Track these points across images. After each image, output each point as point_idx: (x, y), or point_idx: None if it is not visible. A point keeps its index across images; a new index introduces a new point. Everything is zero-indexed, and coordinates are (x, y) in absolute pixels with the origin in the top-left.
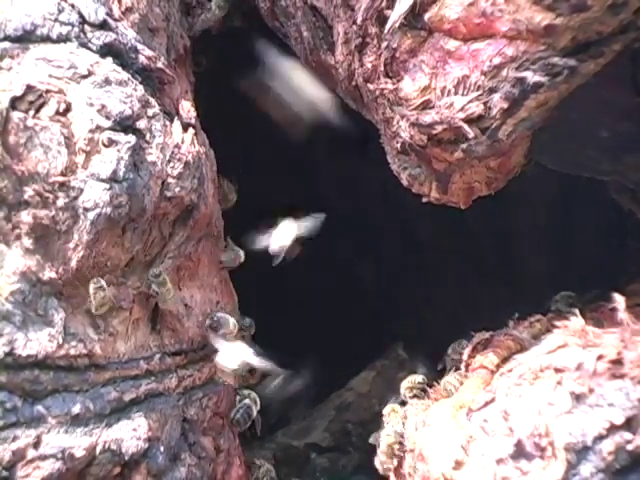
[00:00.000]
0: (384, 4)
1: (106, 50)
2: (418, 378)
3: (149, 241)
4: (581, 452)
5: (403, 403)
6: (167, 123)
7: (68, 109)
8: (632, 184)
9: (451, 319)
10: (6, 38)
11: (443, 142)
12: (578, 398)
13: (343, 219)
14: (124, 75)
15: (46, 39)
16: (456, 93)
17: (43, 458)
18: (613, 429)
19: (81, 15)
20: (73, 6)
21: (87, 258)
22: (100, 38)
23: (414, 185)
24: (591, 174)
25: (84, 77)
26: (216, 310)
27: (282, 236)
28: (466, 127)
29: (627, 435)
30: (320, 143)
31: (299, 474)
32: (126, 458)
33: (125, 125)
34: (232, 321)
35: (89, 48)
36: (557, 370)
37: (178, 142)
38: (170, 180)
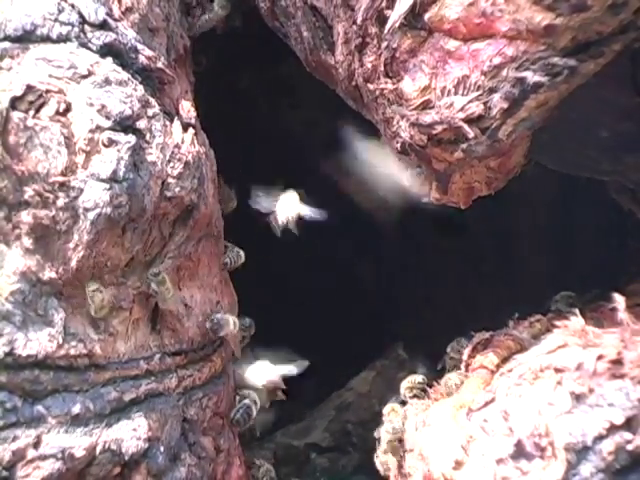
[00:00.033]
0: (384, 4)
1: (106, 50)
2: (418, 378)
3: (149, 241)
4: (581, 452)
5: (403, 403)
6: (167, 123)
7: (68, 109)
8: (632, 184)
9: (451, 319)
10: (6, 38)
11: (443, 142)
12: (578, 398)
13: (343, 219)
14: (124, 75)
15: (46, 39)
16: (456, 93)
17: (43, 458)
18: (613, 429)
19: (81, 15)
20: (73, 6)
21: (87, 258)
22: (100, 38)
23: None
24: (591, 174)
25: (84, 77)
26: (215, 311)
27: (288, 207)
28: (466, 127)
29: (627, 435)
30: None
31: (299, 474)
32: (126, 458)
33: (125, 125)
34: (232, 320)
35: (89, 48)
36: (557, 370)
37: (178, 142)
38: (170, 180)
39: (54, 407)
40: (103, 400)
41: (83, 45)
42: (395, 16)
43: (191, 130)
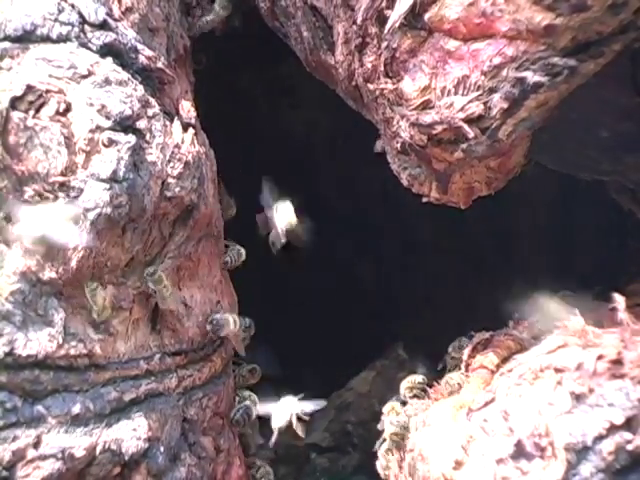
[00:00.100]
0: (384, 4)
1: (106, 50)
2: (418, 378)
3: (149, 241)
4: (581, 452)
5: (403, 403)
6: (167, 123)
7: (68, 109)
8: (632, 184)
9: (451, 319)
10: (6, 38)
11: (443, 142)
12: (578, 398)
13: (343, 219)
14: (124, 75)
15: (46, 39)
16: (456, 93)
17: (43, 458)
18: (613, 429)
19: (81, 15)
20: (73, 6)
21: (87, 258)
22: (100, 38)
23: (414, 185)
24: (591, 174)
25: (84, 77)
26: (215, 311)
27: (285, 215)
28: (466, 127)
29: (627, 435)
30: None
31: (299, 474)
32: (126, 458)
33: (125, 125)
34: (232, 319)
35: (89, 48)
36: (557, 370)
37: (178, 142)
38: (170, 180)
39: (54, 407)
40: (103, 400)
41: (83, 45)
42: (395, 16)
43: (191, 130)
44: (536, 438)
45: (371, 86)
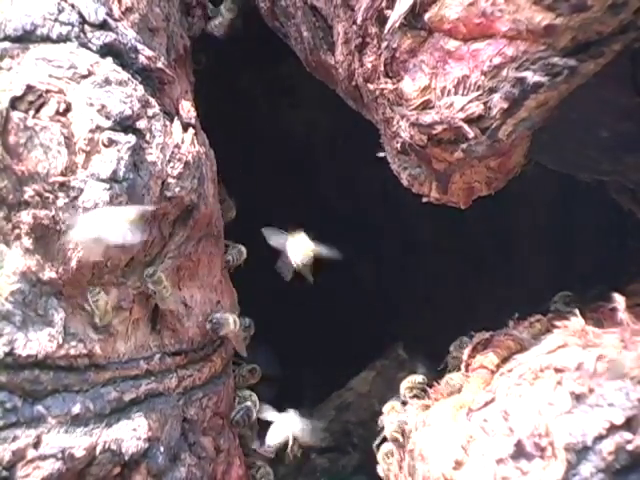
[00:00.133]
0: (384, 4)
1: (106, 50)
2: (418, 378)
3: (149, 241)
4: (581, 452)
5: (403, 403)
6: (167, 123)
7: (68, 109)
8: (632, 184)
9: (451, 319)
10: (6, 38)
11: (443, 142)
12: (578, 398)
13: (343, 219)
14: (124, 75)
15: (46, 39)
16: (456, 93)
17: (43, 458)
18: (613, 429)
19: (81, 15)
20: (73, 6)
21: (87, 258)
22: (100, 38)
23: (414, 185)
24: (591, 174)
25: (84, 77)
26: (215, 311)
27: (301, 250)
28: (466, 127)
29: (627, 435)
30: None
31: (299, 474)
32: (126, 458)
33: (125, 125)
34: (232, 318)
35: (89, 48)
36: (557, 370)
37: (178, 142)
38: (170, 180)
39: (54, 407)
40: (103, 400)
41: (83, 45)
42: (395, 16)
43: (191, 130)
44: (536, 438)
45: (371, 86)
